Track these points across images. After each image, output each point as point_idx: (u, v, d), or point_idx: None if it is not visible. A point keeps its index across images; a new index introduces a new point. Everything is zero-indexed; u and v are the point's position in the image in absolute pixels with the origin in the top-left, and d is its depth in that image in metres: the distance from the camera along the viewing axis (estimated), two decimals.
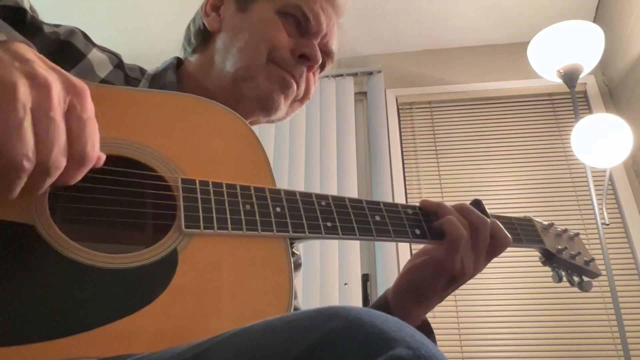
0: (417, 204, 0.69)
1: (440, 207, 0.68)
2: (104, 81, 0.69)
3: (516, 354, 2.21)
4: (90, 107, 0.43)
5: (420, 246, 0.71)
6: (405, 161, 2.70)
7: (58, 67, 0.42)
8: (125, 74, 0.73)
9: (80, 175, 0.43)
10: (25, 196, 0.41)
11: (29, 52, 0.41)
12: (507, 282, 2.34)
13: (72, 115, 0.41)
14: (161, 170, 0.54)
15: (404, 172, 2.66)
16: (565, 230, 0.85)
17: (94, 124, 0.43)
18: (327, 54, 0.82)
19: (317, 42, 0.78)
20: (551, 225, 0.83)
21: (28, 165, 0.38)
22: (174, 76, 0.76)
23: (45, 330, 0.41)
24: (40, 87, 0.39)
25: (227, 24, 0.78)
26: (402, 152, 2.72)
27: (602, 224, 1.98)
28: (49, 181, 0.41)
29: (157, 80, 0.75)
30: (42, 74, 0.39)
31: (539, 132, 2.67)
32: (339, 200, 0.63)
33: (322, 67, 0.83)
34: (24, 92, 0.38)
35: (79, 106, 0.42)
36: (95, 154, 0.44)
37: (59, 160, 0.40)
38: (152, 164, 0.54)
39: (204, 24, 0.80)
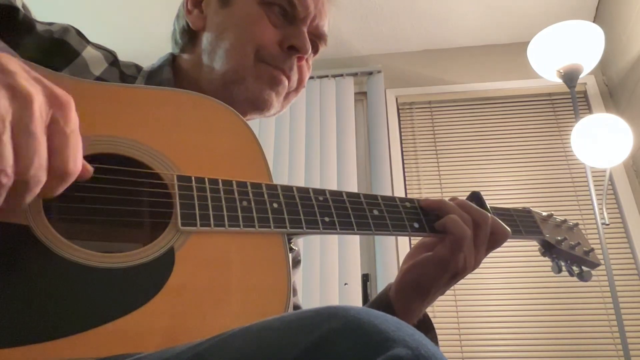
0: (416, 198, 0.69)
1: (442, 204, 0.67)
2: (98, 79, 0.68)
3: (516, 354, 2.21)
4: (74, 121, 0.42)
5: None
6: (405, 161, 2.70)
7: (42, 78, 0.41)
8: (120, 72, 0.72)
9: (60, 190, 0.42)
10: (7, 207, 0.40)
11: (12, 62, 0.40)
12: (507, 282, 2.34)
13: (54, 129, 0.40)
14: (157, 168, 0.53)
15: (404, 172, 2.66)
16: (565, 221, 0.85)
17: (77, 138, 0.42)
18: (318, 36, 0.79)
19: (307, 27, 0.76)
20: (550, 216, 0.83)
21: (5, 181, 0.37)
22: (171, 73, 0.76)
23: (42, 331, 0.41)
24: (21, 100, 0.38)
25: (210, 22, 0.76)
26: (402, 152, 2.72)
27: (602, 224, 1.98)
28: (30, 195, 0.39)
29: (154, 77, 0.74)
30: (24, 87, 0.38)
31: (539, 132, 2.67)
32: (337, 195, 0.63)
33: (315, 50, 0.81)
34: (4, 105, 0.36)
35: (62, 120, 0.40)
36: (77, 169, 0.42)
37: (39, 175, 0.39)
38: (147, 162, 0.53)
39: (187, 23, 0.78)
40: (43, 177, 0.39)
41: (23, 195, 0.39)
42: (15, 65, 0.40)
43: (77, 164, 0.42)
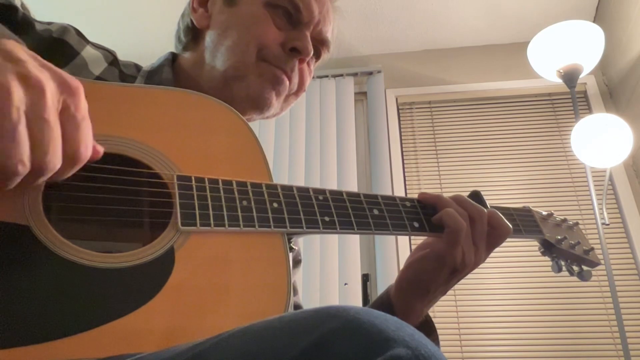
0: (416, 197, 0.69)
1: (439, 199, 0.67)
2: (98, 78, 0.68)
3: (516, 353, 2.21)
4: (84, 106, 0.43)
5: (421, 241, 0.71)
6: (405, 161, 2.70)
7: (51, 65, 0.41)
8: (120, 71, 0.72)
9: (70, 174, 0.43)
10: (17, 190, 0.41)
11: (21, 51, 0.40)
12: (507, 282, 2.34)
13: (65, 115, 0.41)
14: (157, 168, 0.53)
15: (404, 172, 2.66)
16: (565, 220, 0.84)
17: (88, 124, 0.43)
18: (321, 42, 0.80)
19: (310, 32, 0.76)
20: (550, 215, 0.83)
21: (22, 169, 0.38)
22: (170, 72, 0.76)
23: (42, 331, 0.41)
24: (33, 88, 0.38)
25: (215, 20, 0.76)
26: (402, 152, 2.72)
27: (602, 224, 1.98)
28: (42, 180, 0.41)
29: (153, 76, 0.74)
30: (35, 75, 0.39)
31: (539, 132, 2.67)
32: (337, 195, 0.63)
33: (318, 56, 0.81)
34: (18, 95, 0.37)
35: (73, 106, 0.41)
36: (88, 154, 0.43)
37: (54, 162, 0.40)
38: (147, 161, 0.53)
39: (192, 21, 0.78)
40: (58, 163, 0.40)
41: (36, 180, 0.40)
42: (24, 53, 0.40)
43: (88, 148, 0.43)
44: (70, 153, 0.41)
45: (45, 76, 0.40)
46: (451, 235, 0.63)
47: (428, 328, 0.71)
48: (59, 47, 0.66)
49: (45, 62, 0.41)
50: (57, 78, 0.41)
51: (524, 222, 0.77)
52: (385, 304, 0.70)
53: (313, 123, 2.73)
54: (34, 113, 0.38)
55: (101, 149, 0.46)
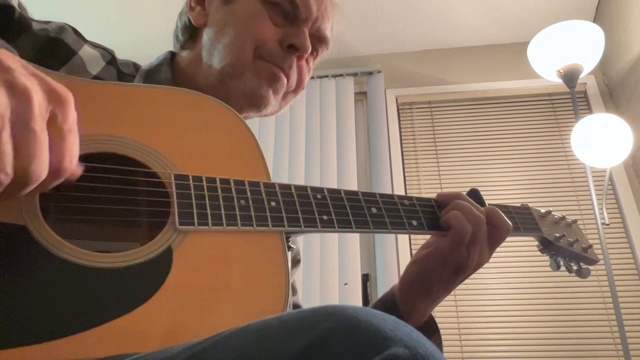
0: (413, 195, 0.69)
1: (448, 198, 0.69)
2: (96, 78, 0.68)
3: (516, 354, 2.21)
4: (72, 118, 0.41)
5: (422, 239, 0.72)
6: (405, 161, 2.70)
7: (41, 74, 0.41)
8: (118, 70, 0.72)
9: (52, 186, 0.42)
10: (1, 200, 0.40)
11: (10, 58, 0.39)
12: (507, 283, 2.34)
13: (52, 125, 0.40)
14: (154, 167, 0.53)
15: (404, 172, 2.66)
16: (563, 217, 0.84)
17: (74, 136, 0.42)
18: (320, 39, 0.79)
19: (308, 28, 0.75)
20: (549, 212, 0.83)
21: (5, 179, 0.37)
22: (169, 72, 0.75)
23: (41, 332, 0.41)
24: (20, 97, 0.37)
25: (212, 18, 0.76)
26: (402, 152, 2.72)
27: (602, 224, 1.98)
28: (26, 190, 0.40)
29: (152, 76, 0.74)
30: (23, 83, 0.38)
31: (539, 132, 2.67)
32: (335, 193, 0.63)
33: (317, 53, 0.81)
34: (3, 103, 0.36)
35: (61, 116, 0.40)
36: (72, 167, 0.42)
37: (39, 173, 0.39)
38: (144, 161, 0.53)
39: (189, 19, 0.78)
40: (43, 174, 0.39)
41: (20, 190, 0.39)
42: (14, 61, 0.39)
43: (72, 161, 0.42)
44: (52, 165, 0.40)
45: (34, 85, 0.39)
46: (456, 237, 0.64)
47: (431, 328, 0.71)
48: (56, 46, 0.66)
49: (36, 70, 0.40)
50: (47, 87, 0.40)
51: (523, 220, 0.77)
52: (390, 302, 0.71)
53: (313, 123, 2.73)
54: (20, 122, 0.37)
55: (80, 170, 0.44)
